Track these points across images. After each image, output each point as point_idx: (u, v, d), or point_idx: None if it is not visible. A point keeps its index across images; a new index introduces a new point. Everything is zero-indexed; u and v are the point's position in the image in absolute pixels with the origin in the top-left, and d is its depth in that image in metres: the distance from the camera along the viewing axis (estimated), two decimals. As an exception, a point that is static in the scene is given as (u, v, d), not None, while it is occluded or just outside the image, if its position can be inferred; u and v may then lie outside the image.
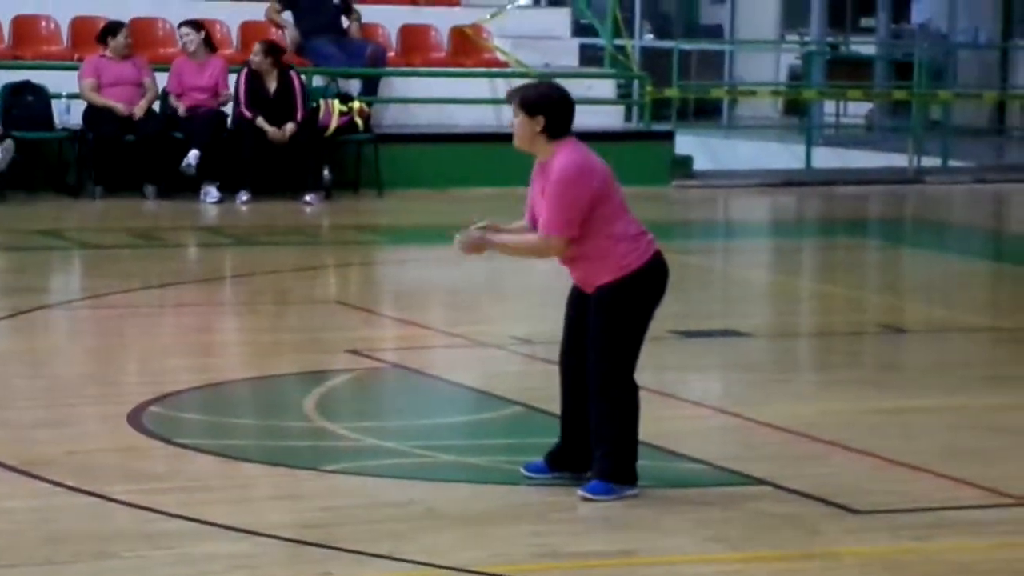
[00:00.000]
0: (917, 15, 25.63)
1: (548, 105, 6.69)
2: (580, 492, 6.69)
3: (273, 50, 16.03)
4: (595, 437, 6.73)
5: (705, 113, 23.98)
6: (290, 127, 15.80)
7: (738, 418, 8.11)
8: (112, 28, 15.87)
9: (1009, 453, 7.55)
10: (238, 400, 8.60)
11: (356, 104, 16.51)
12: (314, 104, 16.31)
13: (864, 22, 26.16)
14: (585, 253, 6.67)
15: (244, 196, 15.74)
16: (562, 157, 6.66)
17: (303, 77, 16.30)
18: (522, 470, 6.95)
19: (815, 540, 6.30)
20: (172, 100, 15.97)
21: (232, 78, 16.03)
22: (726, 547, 6.22)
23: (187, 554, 6.01)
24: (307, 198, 15.85)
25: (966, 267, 13.73)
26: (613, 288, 6.63)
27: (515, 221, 6.90)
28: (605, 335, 6.64)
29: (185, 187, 15.67)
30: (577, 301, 6.79)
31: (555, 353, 6.90)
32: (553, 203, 6.61)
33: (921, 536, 6.34)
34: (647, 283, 6.66)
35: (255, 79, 15.85)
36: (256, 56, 15.93)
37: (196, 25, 16.19)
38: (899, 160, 19.60)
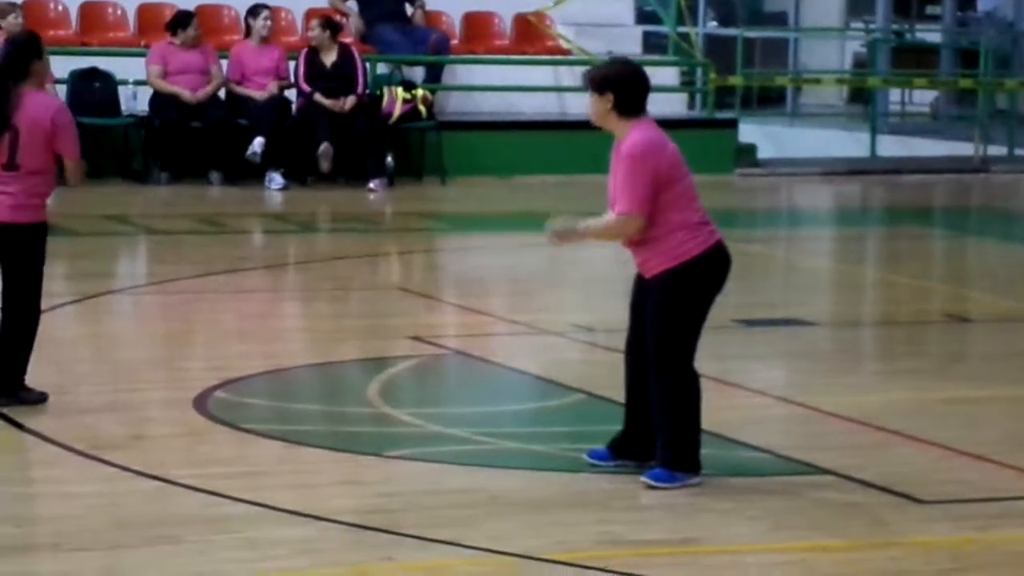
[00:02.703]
0: (983, 3, 25.40)
1: (617, 82, 6.70)
2: (643, 479, 6.69)
3: (331, 24, 16.13)
4: (656, 425, 6.73)
5: (769, 101, 23.84)
6: (351, 99, 15.87)
7: (801, 407, 8.09)
8: (183, 18, 15.98)
9: (1076, 444, 7.49)
10: (302, 386, 8.64)
11: (419, 92, 16.54)
12: (378, 92, 16.36)
13: (930, 10, 25.95)
14: (645, 237, 6.67)
15: (325, 156, 15.66)
16: (635, 134, 6.67)
17: (367, 64, 16.35)
18: (585, 457, 6.96)
19: (879, 530, 6.28)
20: (234, 87, 16.05)
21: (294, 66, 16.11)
22: (789, 536, 6.20)
23: (251, 539, 6.06)
24: (371, 185, 15.89)
25: (1032, 257, 13.63)
26: (670, 275, 6.63)
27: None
28: (662, 322, 6.64)
29: (250, 174, 15.75)
30: (640, 289, 6.79)
31: (616, 341, 6.90)
32: (627, 180, 6.62)
33: (984, 526, 6.31)
34: (705, 271, 6.65)
35: (313, 55, 15.97)
36: (314, 31, 16.06)
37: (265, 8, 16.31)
38: (965, 149, 19.45)
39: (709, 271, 6.68)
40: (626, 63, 6.95)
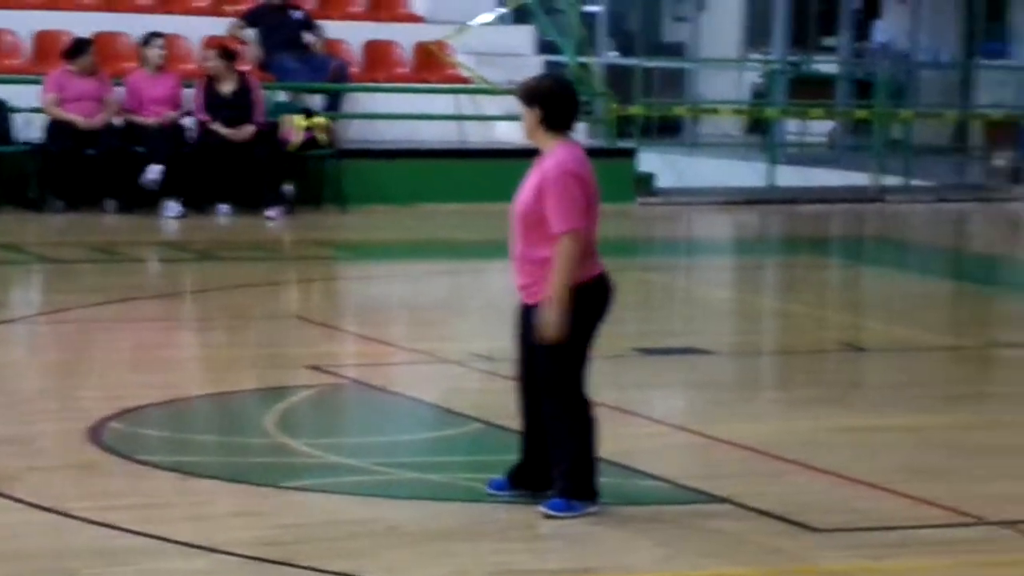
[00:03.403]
0: (879, 34, 25.76)
1: (545, 96, 6.70)
2: (540, 509, 6.68)
3: (227, 53, 16.08)
4: (553, 455, 6.73)
5: (668, 131, 24.03)
6: (249, 128, 15.82)
7: (699, 436, 8.11)
8: (80, 46, 15.84)
9: (970, 472, 7.57)
10: (198, 416, 8.56)
11: (318, 119, 16.49)
12: (276, 120, 16.30)
13: (826, 41, 26.28)
14: (536, 257, 6.66)
15: (224, 209, 15.77)
16: (563, 152, 6.66)
17: (265, 92, 16.29)
18: (485, 487, 6.93)
19: (775, 558, 6.31)
20: (130, 115, 15.93)
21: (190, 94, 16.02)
22: (687, 564, 6.21)
23: (147, 571, 5.98)
24: (268, 213, 15.82)
25: (927, 286, 13.79)
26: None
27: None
28: (549, 351, 6.64)
29: (145, 202, 15.62)
30: (524, 318, 6.78)
31: (516, 370, 6.89)
32: (559, 197, 6.59)
33: (881, 555, 6.35)
34: (588, 300, 6.65)
35: (211, 83, 15.91)
36: (211, 60, 16.00)
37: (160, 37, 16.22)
38: (861, 178, 19.69)
39: (592, 300, 6.67)
40: (555, 78, 6.97)
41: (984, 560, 6.33)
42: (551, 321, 6.59)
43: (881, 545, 6.45)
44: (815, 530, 6.59)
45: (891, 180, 19.59)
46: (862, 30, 25.85)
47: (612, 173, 17.38)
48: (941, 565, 6.28)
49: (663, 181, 18.69)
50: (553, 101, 6.70)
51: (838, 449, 7.89)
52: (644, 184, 18.21)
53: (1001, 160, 19.74)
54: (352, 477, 7.25)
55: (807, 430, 8.31)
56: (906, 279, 14.11)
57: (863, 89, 23.23)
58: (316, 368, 9.34)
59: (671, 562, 6.23)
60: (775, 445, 7.86)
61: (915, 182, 19.74)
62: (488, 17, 19.46)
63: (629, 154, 18.32)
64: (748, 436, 8.02)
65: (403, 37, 18.35)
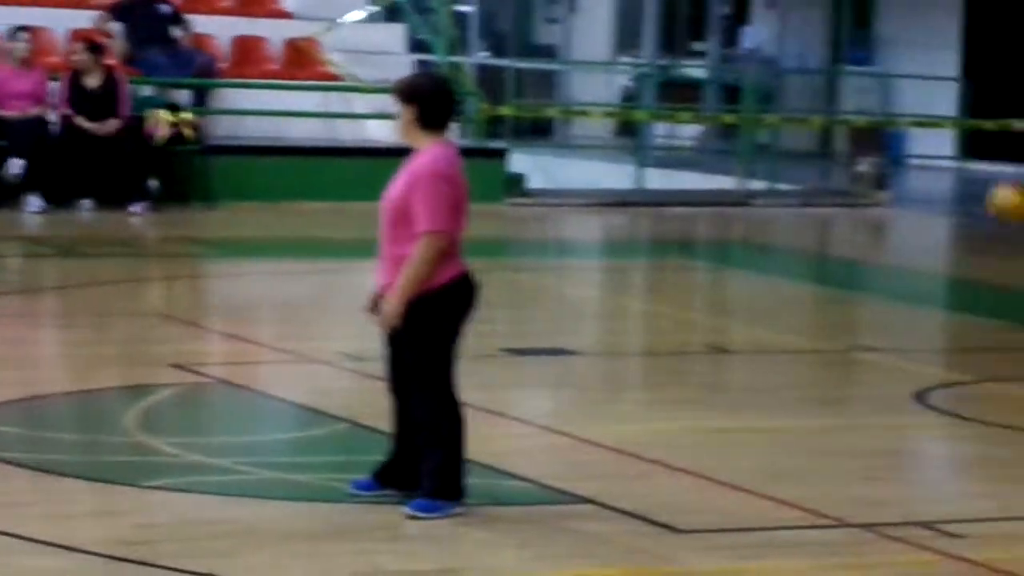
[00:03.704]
0: (747, 40, 26.03)
1: (421, 94, 6.68)
2: (406, 510, 6.65)
3: (94, 47, 15.88)
4: (420, 454, 6.71)
5: (539, 132, 24.09)
6: (114, 122, 15.62)
7: (565, 436, 8.13)
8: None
9: (829, 474, 7.65)
10: (57, 414, 8.42)
11: (185, 115, 16.33)
12: (142, 114, 16.11)
13: (695, 46, 26.50)
14: (401, 255, 6.63)
15: (87, 204, 15.56)
16: (436, 152, 6.64)
17: (131, 86, 16.10)
18: (349, 487, 6.89)
19: (638, 559, 6.33)
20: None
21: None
22: (551, 565, 6.22)
23: (2, 568, 5.86)
24: (133, 209, 15.63)
25: (791, 289, 13.94)
26: (418, 302, 6.60)
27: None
28: (416, 351, 6.62)
29: (7, 196, 15.35)
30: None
31: (384, 369, 6.86)
32: (428, 197, 6.56)
33: (742, 556, 6.40)
34: (451, 300, 6.64)
35: (76, 77, 15.70)
36: (77, 54, 15.79)
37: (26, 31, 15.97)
38: (728, 182, 19.86)
39: (456, 299, 6.66)
40: (432, 76, 6.94)
41: (843, 562, 6.40)
42: (391, 312, 6.55)
43: (742, 546, 6.50)
44: (678, 531, 6.62)
45: (757, 184, 19.79)
46: (731, 36, 26.10)
47: (482, 173, 17.37)
48: (801, 567, 6.34)
49: (533, 182, 18.73)
50: (430, 100, 6.68)
51: (702, 450, 7.95)
52: (514, 184, 18.24)
53: (865, 166, 20.00)
54: (215, 477, 7.17)
55: (671, 431, 8.36)
56: (771, 282, 14.25)
57: (731, 94, 23.46)
58: (180, 367, 9.23)
59: (535, 563, 6.23)
60: (640, 446, 7.90)
61: (781, 186, 19.96)
62: (359, 15, 19.39)
63: (500, 154, 18.34)
64: (613, 437, 8.05)
65: (273, 33, 18.22)
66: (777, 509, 6.98)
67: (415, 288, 6.57)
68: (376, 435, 7.29)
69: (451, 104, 6.77)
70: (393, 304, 6.57)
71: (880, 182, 19.64)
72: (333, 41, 18.41)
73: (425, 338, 6.63)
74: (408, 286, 6.56)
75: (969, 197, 19.45)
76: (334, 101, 17.83)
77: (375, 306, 6.74)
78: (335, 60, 18.28)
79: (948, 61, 23.87)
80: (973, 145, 23.00)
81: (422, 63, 20.02)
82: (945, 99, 23.27)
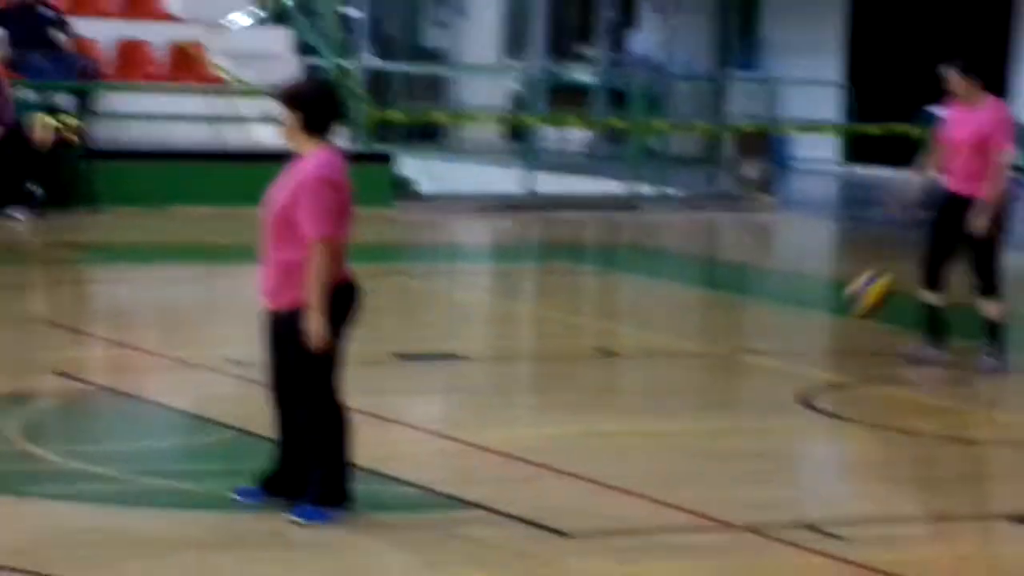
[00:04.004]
0: (634, 46, 26.16)
1: (306, 100, 6.64)
2: (291, 517, 6.61)
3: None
4: (307, 461, 6.67)
5: (428, 136, 24.06)
6: (-5, 128, 15.44)
7: (455, 442, 8.12)
8: None
9: (717, 478, 7.70)
10: (-62, 423, 8.27)
11: (68, 119, 16.13)
12: (25, 119, 15.89)
13: (583, 51, 26.60)
14: (283, 260, 6.59)
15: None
16: (321, 157, 6.60)
17: (13, 91, 15.88)
18: (234, 495, 6.83)
19: (524, 563, 6.33)
20: None
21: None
22: (437, 572, 6.20)
23: None
24: (14, 214, 15.42)
25: (679, 293, 14.02)
26: (300, 310, 6.57)
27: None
28: (299, 357, 6.59)
29: None
30: (271, 325, 6.70)
31: (267, 376, 6.81)
32: (313, 203, 6.52)
33: (630, 559, 6.42)
34: (336, 305, 6.61)
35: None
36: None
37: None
38: (616, 187, 19.94)
39: (339, 305, 6.63)
40: (317, 81, 6.92)
41: (729, 565, 6.44)
42: (315, 329, 6.52)
43: (628, 549, 6.52)
44: (565, 535, 6.63)
45: (645, 189, 19.90)
46: (618, 41, 26.22)
47: (371, 178, 17.32)
48: (687, 570, 6.37)
49: (422, 186, 18.70)
50: (314, 105, 6.65)
51: (591, 454, 7.97)
52: (403, 189, 18.20)
53: (751, 170, 20.17)
54: (98, 485, 7.08)
55: (561, 435, 8.37)
56: (659, 286, 14.32)
57: (619, 99, 23.56)
58: (63, 374, 9.11)
59: (423, 570, 6.21)
60: (529, 450, 7.90)
61: (668, 191, 20.08)
62: (245, 18, 19.26)
63: (388, 159, 18.29)
64: (503, 441, 8.05)
65: (157, 36, 18.04)
66: (664, 512, 7.01)
67: (325, 299, 6.53)
68: (262, 442, 7.24)
69: (336, 109, 6.74)
70: (315, 322, 6.51)
71: (766, 186, 19.82)
72: (219, 44, 18.26)
73: (309, 344, 6.59)
74: (319, 301, 6.53)
75: (853, 201, 19.69)
76: (219, 105, 17.69)
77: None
78: (220, 64, 18.13)
79: (832, 67, 24.14)
80: (857, 149, 23.27)
81: (309, 67, 19.92)
82: (829, 104, 23.53)
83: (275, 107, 6.74)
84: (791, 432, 8.83)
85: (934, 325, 10.29)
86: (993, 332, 10.21)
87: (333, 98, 6.77)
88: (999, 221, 10.12)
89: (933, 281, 10.25)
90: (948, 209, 10.19)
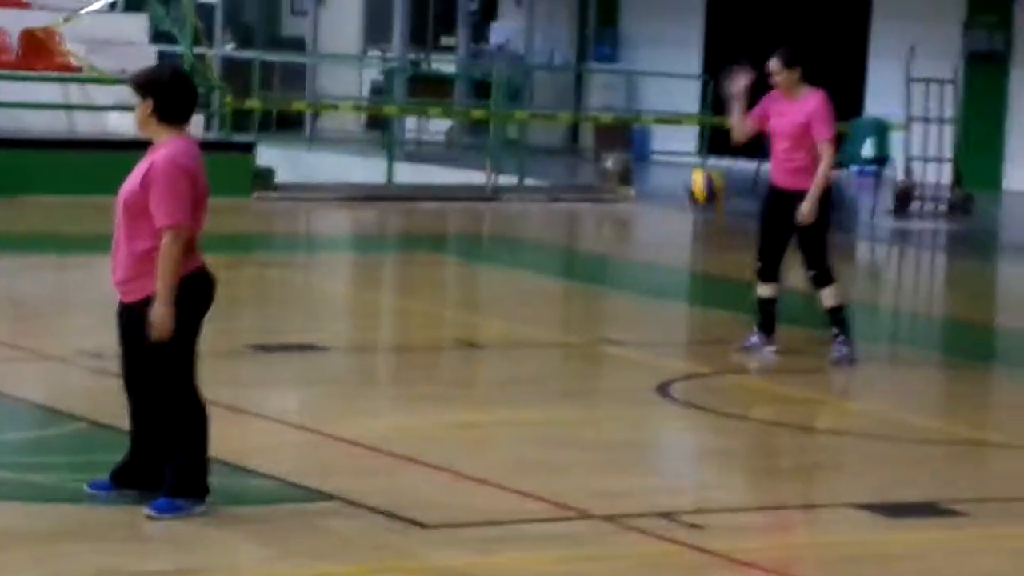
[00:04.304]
0: (496, 36, 26.18)
1: (158, 86, 6.55)
2: (146, 510, 6.53)
3: None
4: (163, 453, 6.59)
5: (288, 125, 23.89)
6: None
7: (313, 433, 8.06)
8: None
9: (575, 467, 7.72)
10: None
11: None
12: None
13: (445, 41, 26.57)
14: (135, 250, 6.50)
15: None
16: (175, 145, 6.51)
17: None
18: (86, 487, 6.73)
19: (382, 555, 6.30)
20: None
21: None
22: (295, 564, 6.15)
23: None
24: None
25: (539, 284, 14.05)
26: (152, 300, 6.48)
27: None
28: (154, 349, 6.50)
29: None
30: (124, 317, 6.62)
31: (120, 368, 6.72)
32: (168, 191, 6.44)
33: (487, 550, 6.42)
34: (189, 294, 6.54)
35: None
36: None
37: None
38: (477, 177, 19.96)
39: (194, 294, 6.56)
40: (170, 67, 6.79)
41: (586, 553, 6.46)
42: (159, 319, 6.44)
43: (487, 540, 6.52)
44: (423, 526, 6.61)
45: (506, 179, 19.93)
46: (480, 31, 26.23)
47: (229, 167, 17.19)
48: (544, 559, 6.38)
49: (282, 176, 18.56)
50: (168, 92, 6.57)
51: (449, 445, 7.96)
52: (262, 179, 18.05)
53: (611, 162, 20.28)
54: (-54, 479, 6.93)
55: (420, 426, 8.35)
56: (519, 277, 14.35)
57: (480, 89, 23.57)
58: (-89, 365, 8.91)
59: (280, 563, 6.16)
60: (388, 441, 7.88)
61: (529, 182, 20.13)
62: (100, 4, 18.98)
63: (247, 148, 18.13)
64: (362, 433, 8.01)
65: (8, 23, 17.73)
66: (523, 502, 7.01)
67: (173, 288, 6.45)
68: (115, 434, 7.14)
69: (191, 97, 6.66)
70: (160, 311, 6.43)
71: (625, 178, 19.92)
72: (72, 32, 17.98)
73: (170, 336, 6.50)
74: (167, 291, 6.45)
75: (711, 193, 19.88)
76: (73, 92, 17.42)
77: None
78: (75, 51, 17.86)
79: (691, 59, 24.34)
80: (715, 142, 23.49)
81: (165, 54, 19.68)
82: (689, 97, 23.71)
83: (130, 94, 6.63)
84: (648, 422, 8.89)
85: (766, 317, 10.35)
86: (837, 320, 10.28)
87: (188, 86, 6.69)
88: (826, 211, 10.15)
89: (766, 274, 10.31)
90: (773, 202, 10.26)
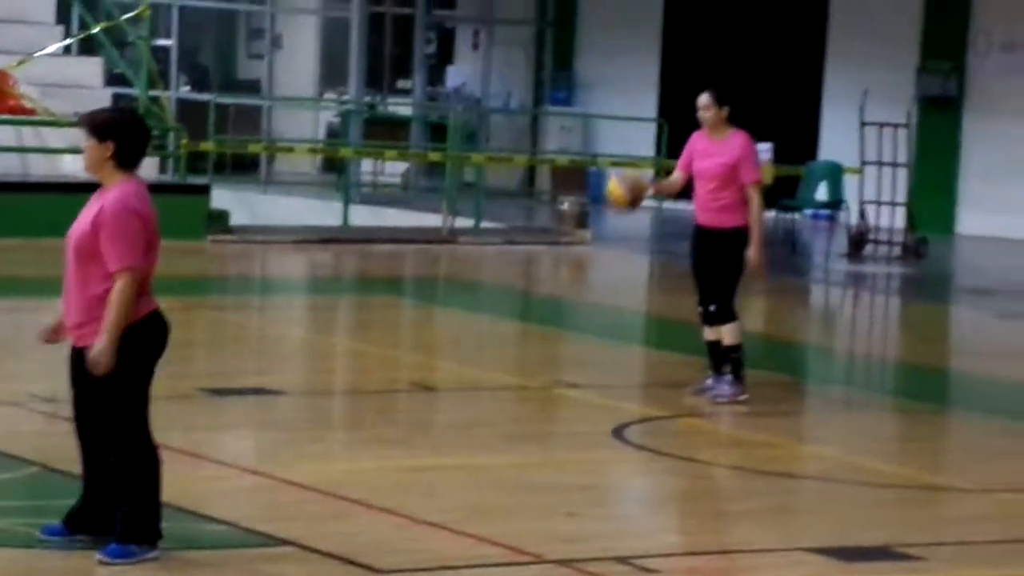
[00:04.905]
0: (452, 79, 26.24)
1: (120, 131, 6.52)
2: (98, 555, 6.47)
3: None
4: (114, 498, 6.54)
5: (243, 168, 23.86)
6: None
7: (266, 478, 8.02)
8: None
9: (529, 510, 7.70)
10: None
11: None
12: None
13: (401, 83, 26.61)
14: (89, 294, 6.47)
15: None
16: (126, 187, 6.49)
17: None
18: (39, 533, 6.67)
19: (338, 601, 6.27)
20: None
21: None
22: (248, 610, 6.11)
23: None
24: None
25: (496, 326, 14.05)
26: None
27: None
28: (107, 394, 6.47)
29: None
30: (77, 362, 6.58)
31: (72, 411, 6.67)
32: (121, 235, 6.41)
33: (442, 595, 6.39)
34: (141, 339, 6.51)
35: None
36: None
37: None
38: (434, 220, 19.97)
39: (147, 338, 6.53)
40: (128, 111, 6.76)
41: (542, 598, 6.43)
42: (101, 355, 6.39)
43: (441, 585, 6.49)
44: (377, 571, 6.58)
45: (463, 222, 19.94)
46: (436, 74, 26.28)
47: (183, 210, 17.14)
48: (501, 604, 6.35)
49: (237, 218, 18.53)
50: (129, 136, 6.54)
51: (403, 489, 7.92)
52: (217, 221, 18.00)
53: (567, 204, 20.33)
54: None
55: (374, 470, 8.32)
56: (476, 319, 14.34)
57: (437, 132, 23.60)
58: None
59: (232, 608, 6.11)
60: (342, 486, 7.84)
61: (486, 224, 20.15)
62: (54, 48, 18.93)
63: (202, 190, 18.08)
64: (315, 477, 7.97)
65: (-36, 65, 17.67)
66: (478, 546, 6.99)
67: (121, 329, 6.42)
68: (68, 479, 7.08)
69: (146, 141, 6.65)
70: (102, 349, 6.40)
71: (582, 220, 19.96)
72: (27, 75, 17.92)
73: (116, 379, 6.47)
74: (114, 329, 6.42)
75: (667, 236, 19.92)
76: (27, 135, 17.35)
77: (53, 336, 6.58)
78: (29, 94, 17.80)
79: (647, 103, 24.44)
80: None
81: (120, 97, 19.64)
82: (644, 139, 23.81)
83: (83, 136, 6.60)
84: (605, 465, 8.88)
85: (716, 359, 10.33)
86: (733, 359, 10.23)
87: (145, 129, 6.67)
88: (742, 251, 10.11)
89: (705, 317, 10.30)
90: (700, 242, 10.27)
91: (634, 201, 10.14)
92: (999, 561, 7.26)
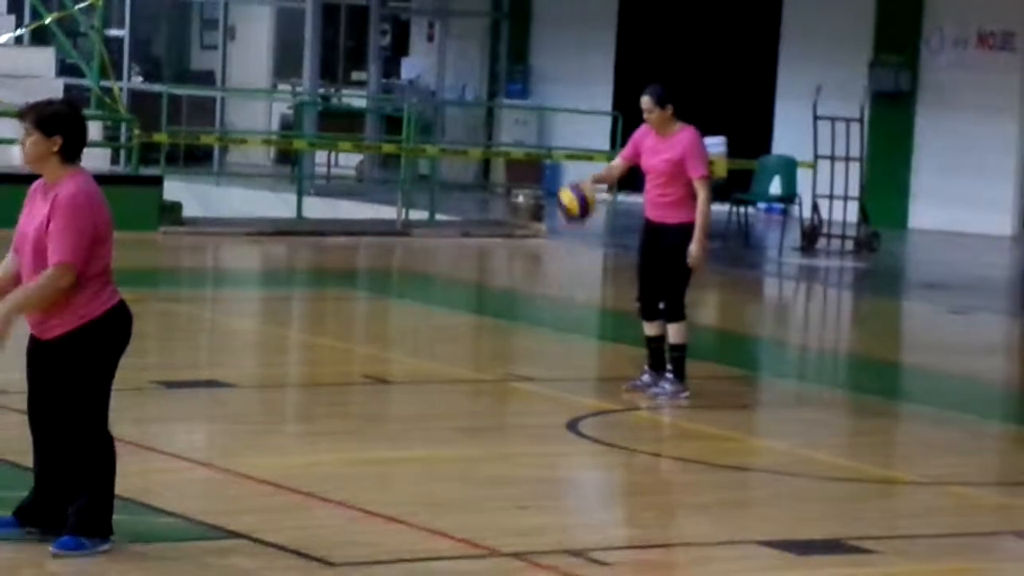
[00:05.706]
0: (407, 70, 26.20)
1: (67, 125, 6.48)
2: (51, 548, 6.44)
3: None
4: (69, 491, 6.50)
5: (196, 159, 23.76)
6: None
7: (219, 471, 8.00)
8: None
9: (483, 503, 7.71)
10: None
11: None
12: None
13: (356, 75, 26.55)
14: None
15: None
16: (75, 183, 6.44)
17: None
18: (-11, 527, 6.64)
19: (291, 594, 6.25)
20: None
21: None
22: (200, 603, 6.09)
23: None
24: None
25: (450, 319, 14.04)
26: (73, 337, 6.42)
27: None
28: (70, 386, 6.44)
29: None
30: (36, 355, 6.54)
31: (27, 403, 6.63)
32: (66, 228, 6.37)
33: (394, 588, 6.38)
34: (107, 332, 6.49)
35: None
36: None
37: None
38: (388, 212, 19.93)
39: (112, 331, 6.51)
40: (71, 104, 6.70)
41: (496, 591, 6.44)
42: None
43: (394, 578, 6.48)
44: (330, 564, 6.57)
45: (417, 214, 19.92)
46: (391, 65, 26.23)
47: (135, 201, 17.05)
48: (453, 596, 6.35)
49: (190, 210, 18.44)
50: (75, 131, 6.50)
51: (359, 482, 7.91)
52: (170, 213, 17.92)
53: (522, 197, 20.33)
54: None
55: (328, 463, 8.30)
56: (430, 312, 14.33)
57: (392, 124, 23.56)
58: None
59: (184, 601, 6.09)
60: (295, 479, 7.82)
61: (440, 217, 20.13)
62: (5, 38, 18.80)
63: (155, 182, 18.00)
64: (268, 470, 7.95)
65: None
66: (431, 539, 6.98)
67: (26, 310, 6.38)
68: (19, 471, 7.04)
69: (87, 133, 6.61)
70: (5, 317, 6.34)
71: (537, 213, 19.97)
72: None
73: (81, 373, 6.44)
74: (22, 306, 6.38)
75: (622, 229, 19.96)
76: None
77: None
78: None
79: (602, 96, 24.46)
80: (625, 178, 23.62)
81: (72, 87, 19.52)
82: (599, 133, 23.83)
83: (24, 129, 6.54)
84: (558, 458, 8.88)
85: (654, 355, 10.33)
86: (675, 358, 10.22)
87: (84, 121, 6.63)
88: (688, 247, 10.11)
89: (647, 312, 10.31)
90: (649, 237, 10.29)
91: (584, 210, 10.15)
92: (951, 554, 7.30)
